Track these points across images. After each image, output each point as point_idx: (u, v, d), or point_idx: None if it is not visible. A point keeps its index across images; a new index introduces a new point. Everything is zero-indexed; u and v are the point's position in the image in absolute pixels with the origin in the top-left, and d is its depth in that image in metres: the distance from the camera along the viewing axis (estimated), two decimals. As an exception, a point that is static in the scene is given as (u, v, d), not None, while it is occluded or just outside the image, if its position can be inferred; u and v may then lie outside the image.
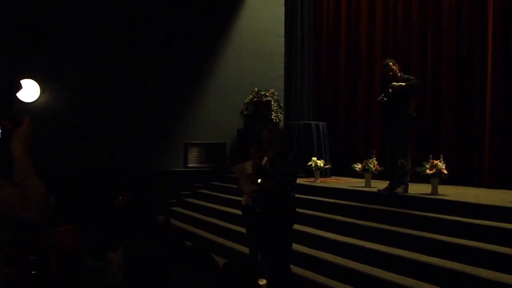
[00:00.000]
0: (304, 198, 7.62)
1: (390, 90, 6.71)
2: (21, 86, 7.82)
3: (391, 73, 6.94)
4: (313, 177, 8.96)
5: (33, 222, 1.83)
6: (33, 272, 4.28)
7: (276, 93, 11.67)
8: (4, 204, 1.79)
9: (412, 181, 7.01)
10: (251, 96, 11.60)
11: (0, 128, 1.98)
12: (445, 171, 6.57)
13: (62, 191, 6.24)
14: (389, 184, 6.93)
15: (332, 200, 7.48)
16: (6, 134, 1.97)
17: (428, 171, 6.62)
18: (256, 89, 11.59)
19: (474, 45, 8.42)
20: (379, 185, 7.38)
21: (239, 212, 6.90)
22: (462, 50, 8.63)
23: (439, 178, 6.62)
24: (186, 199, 10.52)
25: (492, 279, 4.52)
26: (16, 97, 8.54)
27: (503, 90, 7.89)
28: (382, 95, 6.82)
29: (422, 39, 9.40)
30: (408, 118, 6.73)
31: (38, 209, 1.82)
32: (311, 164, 8.97)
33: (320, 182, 8.83)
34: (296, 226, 5.42)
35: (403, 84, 6.65)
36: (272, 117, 11.27)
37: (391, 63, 6.98)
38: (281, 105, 11.78)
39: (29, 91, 8.81)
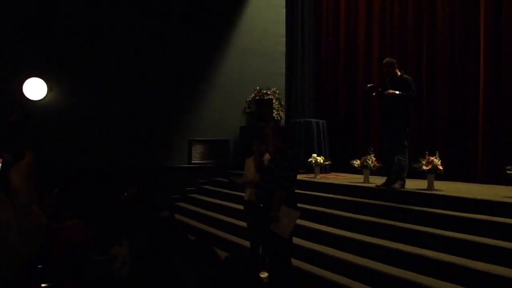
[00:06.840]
0: (305, 193, 7.74)
1: (380, 90, 7.02)
2: None
3: (388, 71, 7.13)
4: (313, 173, 9.11)
5: (27, 256, 1.85)
6: (39, 266, 4.32)
7: (277, 92, 11.78)
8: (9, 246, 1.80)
9: (409, 176, 7.10)
10: (253, 95, 11.74)
11: (1, 162, 2.00)
12: (441, 167, 6.72)
13: (69, 186, 6.39)
14: (386, 179, 7.08)
15: (331, 196, 7.59)
16: (7, 164, 1.99)
17: (424, 167, 6.76)
18: (258, 87, 11.73)
19: (468, 45, 8.57)
20: (377, 180, 7.51)
21: (241, 207, 7.02)
22: (456, 50, 8.78)
23: (435, 174, 6.75)
24: (190, 195, 10.62)
25: (487, 271, 4.61)
26: (24, 95, 8.63)
27: (495, 89, 8.05)
28: (378, 89, 7.10)
29: (417, 39, 9.57)
30: (405, 115, 6.87)
31: (32, 243, 1.84)
32: (311, 161, 9.12)
33: (320, 178, 8.97)
34: (296, 221, 5.51)
35: (396, 92, 6.82)
36: (274, 115, 11.38)
37: (388, 64, 7.13)
38: (282, 103, 11.88)
39: (36, 89, 8.84)
